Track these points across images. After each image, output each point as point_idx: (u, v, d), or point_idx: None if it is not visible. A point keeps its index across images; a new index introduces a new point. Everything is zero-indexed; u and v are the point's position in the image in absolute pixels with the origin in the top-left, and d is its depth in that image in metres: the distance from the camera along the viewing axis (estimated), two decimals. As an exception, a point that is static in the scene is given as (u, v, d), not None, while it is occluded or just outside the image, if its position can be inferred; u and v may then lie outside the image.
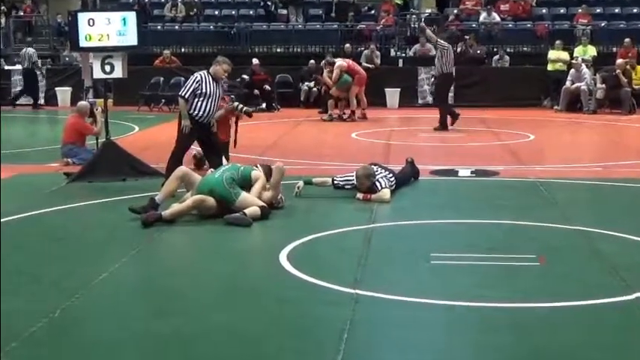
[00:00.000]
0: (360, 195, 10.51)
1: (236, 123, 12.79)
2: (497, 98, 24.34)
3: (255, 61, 24.25)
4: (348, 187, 10.71)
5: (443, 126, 18.72)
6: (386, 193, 10.45)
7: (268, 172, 10.13)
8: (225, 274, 7.45)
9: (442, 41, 19.15)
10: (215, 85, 11.05)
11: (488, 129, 19.38)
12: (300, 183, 10.81)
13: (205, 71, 11.11)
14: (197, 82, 10.94)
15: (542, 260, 7.77)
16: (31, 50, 25.62)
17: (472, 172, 12.79)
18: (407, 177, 11.66)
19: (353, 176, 10.67)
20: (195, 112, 11.00)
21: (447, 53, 18.91)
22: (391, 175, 10.91)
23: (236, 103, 12.54)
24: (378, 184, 10.52)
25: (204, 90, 10.93)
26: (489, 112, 22.68)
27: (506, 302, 6.51)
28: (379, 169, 10.91)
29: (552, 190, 11.33)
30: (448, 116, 18.94)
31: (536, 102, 24.41)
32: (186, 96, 10.95)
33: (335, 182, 10.79)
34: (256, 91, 23.51)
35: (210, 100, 10.98)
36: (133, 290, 7.10)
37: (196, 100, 10.96)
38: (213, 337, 5.86)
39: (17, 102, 25.42)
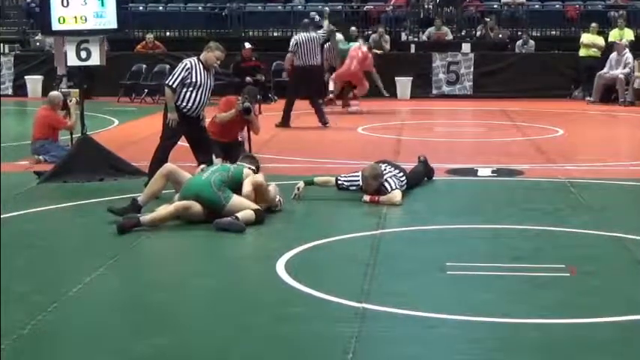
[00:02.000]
0: (366, 197, 10.50)
1: (248, 126, 12.82)
2: (521, 88, 24.35)
3: (247, 45, 24.11)
4: (353, 188, 10.69)
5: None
6: (396, 195, 10.43)
7: (256, 166, 10.11)
8: (214, 287, 7.43)
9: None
10: (206, 74, 11.05)
11: (512, 123, 19.37)
12: (301, 184, 10.78)
13: (196, 58, 11.11)
14: (186, 71, 10.94)
15: (573, 271, 7.75)
16: None
17: (493, 172, 12.78)
18: (419, 177, 11.65)
19: (359, 176, 10.65)
20: (184, 104, 10.99)
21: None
22: (402, 174, 10.90)
23: (247, 103, 12.44)
24: (387, 184, 10.51)
25: (194, 79, 10.93)
26: (513, 104, 22.67)
27: (532, 318, 6.49)
28: (388, 167, 10.89)
29: (584, 192, 11.32)
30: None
31: (565, 92, 24.43)
32: (174, 85, 10.94)
33: (339, 183, 10.77)
34: (248, 78, 23.43)
35: (200, 90, 10.97)
36: (111, 305, 7.08)
37: (185, 90, 10.95)
38: (201, 358, 5.84)
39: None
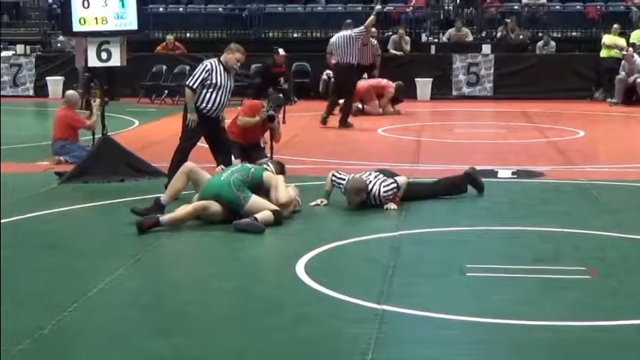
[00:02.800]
0: (392, 205, 10.29)
1: (271, 133, 12.88)
2: (542, 89, 24.28)
3: (281, 51, 23.91)
4: (340, 189, 10.41)
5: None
6: (402, 179, 10.43)
7: (280, 169, 10.16)
8: (234, 288, 7.44)
9: None
10: (226, 75, 11.09)
11: (532, 124, 19.32)
12: (325, 201, 10.54)
13: (216, 59, 11.15)
14: (207, 72, 10.98)
15: (593, 273, 7.73)
16: None
17: (513, 173, 12.76)
18: (436, 189, 11.11)
19: (345, 180, 10.38)
20: (204, 105, 11.03)
21: None
22: (393, 182, 10.39)
23: (271, 112, 12.54)
24: (385, 189, 10.22)
25: (214, 80, 10.97)
26: (533, 105, 22.61)
27: (552, 320, 6.48)
28: (379, 176, 10.44)
29: (605, 194, 11.28)
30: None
31: (586, 94, 24.33)
32: (194, 86, 10.98)
33: (332, 178, 10.50)
34: (271, 90, 23.23)
35: (220, 91, 11.01)
36: (131, 305, 7.10)
37: (205, 91, 10.99)
38: (220, 359, 5.86)
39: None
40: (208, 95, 11.01)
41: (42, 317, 6.49)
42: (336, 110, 19.04)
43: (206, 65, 11.07)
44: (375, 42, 22.90)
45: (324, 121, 18.70)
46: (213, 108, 11.05)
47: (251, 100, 13.02)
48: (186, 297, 7.25)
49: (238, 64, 11.27)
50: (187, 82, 11.19)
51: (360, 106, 21.08)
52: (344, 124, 18.43)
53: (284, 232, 9.33)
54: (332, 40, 19.19)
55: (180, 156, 11.02)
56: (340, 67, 18.59)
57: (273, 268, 8.39)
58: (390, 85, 21.34)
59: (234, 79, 11.46)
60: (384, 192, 10.29)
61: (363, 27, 18.63)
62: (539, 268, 7.86)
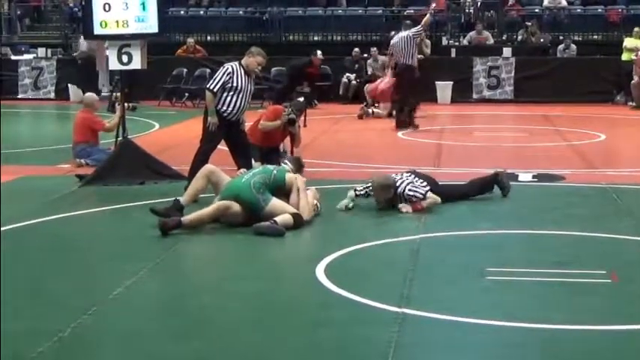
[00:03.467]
0: (407, 208, 10.24)
1: (291, 137, 12.91)
2: (563, 93, 24.19)
3: (319, 53, 23.93)
4: (370, 195, 10.42)
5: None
6: (437, 197, 10.31)
7: (298, 167, 10.15)
8: (254, 291, 7.43)
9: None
10: (247, 78, 11.11)
11: (553, 127, 19.25)
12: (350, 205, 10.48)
13: (237, 63, 11.18)
14: (228, 75, 11.01)
15: (614, 277, 7.69)
16: None
17: (534, 177, 12.71)
18: (458, 190, 11.14)
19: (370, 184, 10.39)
20: (224, 108, 11.05)
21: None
22: (425, 183, 10.43)
23: (292, 115, 12.60)
24: (411, 193, 10.17)
25: (234, 83, 10.99)
26: (554, 109, 22.54)
27: (573, 324, 6.44)
28: (408, 176, 10.45)
29: (626, 198, 11.23)
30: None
31: (607, 97, 24.25)
32: (215, 89, 11.00)
33: (357, 193, 10.50)
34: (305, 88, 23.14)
35: (240, 95, 11.03)
36: (151, 308, 7.11)
37: (225, 94, 11.01)
38: (240, 361, 5.86)
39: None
40: (229, 98, 11.02)
41: (62, 320, 6.50)
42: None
43: (227, 68, 11.09)
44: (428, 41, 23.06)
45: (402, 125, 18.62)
46: (234, 111, 11.07)
47: (274, 105, 13.08)
48: (206, 301, 7.25)
49: (259, 67, 11.28)
50: (208, 85, 11.21)
51: (372, 109, 21.08)
52: (411, 124, 18.51)
53: (304, 235, 9.33)
54: (393, 41, 19.25)
55: (201, 158, 11.03)
56: (399, 68, 18.79)
57: (293, 271, 8.38)
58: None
59: (254, 83, 11.47)
60: (409, 190, 10.24)
61: (420, 26, 18.67)
62: (560, 272, 7.82)
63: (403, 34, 18.63)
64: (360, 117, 20.79)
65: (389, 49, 19.87)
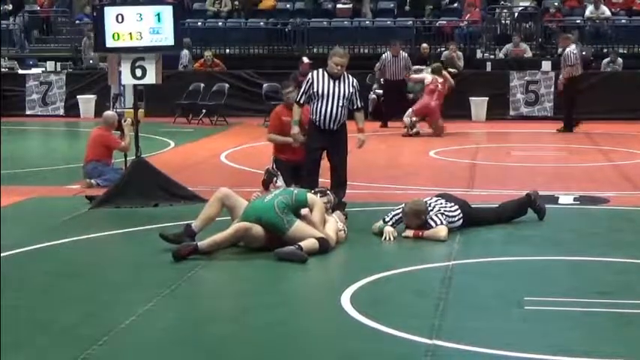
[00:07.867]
0: (409, 232, 10.29)
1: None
2: (606, 109, 24.07)
3: (305, 60, 23.88)
4: (401, 222, 10.42)
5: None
6: (441, 230, 10.15)
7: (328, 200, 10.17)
8: (275, 321, 7.42)
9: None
10: (332, 82, 11.21)
11: (596, 147, 19.19)
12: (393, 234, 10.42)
13: (322, 68, 11.42)
14: (308, 82, 11.32)
15: (662, 307, 7.64)
16: None
17: (576, 199, 12.67)
18: (495, 213, 11.16)
19: (400, 211, 10.42)
20: (314, 117, 11.27)
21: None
22: (456, 208, 10.52)
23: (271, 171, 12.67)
24: (431, 222, 10.23)
25: (315, 89, 11.19)
26: (597, 126, 22.44)
27: (619, 358, 6.40)
28: (441, 201, 10.52)
29: (675, 222, 11.17)
30: None
31: (655, 114, 24.13)
32: (301, 100, 11.31)
33: (386, 221, 10.45)
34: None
35: (324, 100, 11.16)
36: (164, 339, 7.11)
37: (312, 102, 11.27)
38: (259, 396, 5.85)
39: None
40: (314, 106, 11.23)
41: (71, 350, 6.52)
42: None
43: (308, 76, 11.43)
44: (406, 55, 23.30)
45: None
46: (321, 118, 11.20)
47: (275, 110, 12.93)
48: (224, 331, 7.24)
49: (339, 67, 11.29)
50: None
51: (415, 129, 20.95)
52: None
53: (328, 261, 9.31)
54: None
55: (304, 174, 11.33)
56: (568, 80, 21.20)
57: (317, 299, 8.37)
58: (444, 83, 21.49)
59: (345, 86, 11.33)
60: (434, 216, 10.25)
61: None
62: (604, 302, 7.77)
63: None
64: (410, 135, 20.80)
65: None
